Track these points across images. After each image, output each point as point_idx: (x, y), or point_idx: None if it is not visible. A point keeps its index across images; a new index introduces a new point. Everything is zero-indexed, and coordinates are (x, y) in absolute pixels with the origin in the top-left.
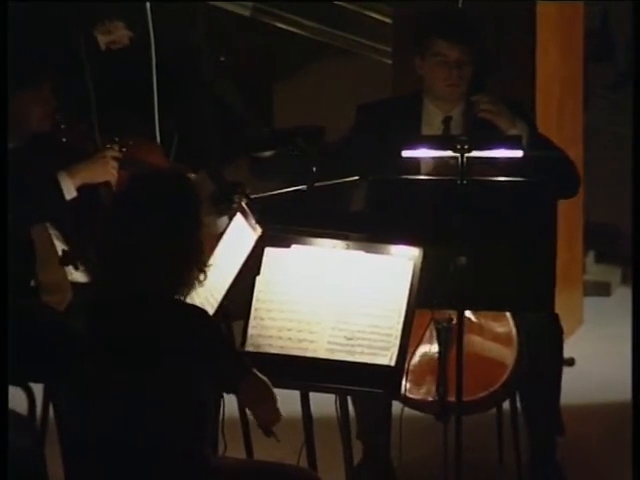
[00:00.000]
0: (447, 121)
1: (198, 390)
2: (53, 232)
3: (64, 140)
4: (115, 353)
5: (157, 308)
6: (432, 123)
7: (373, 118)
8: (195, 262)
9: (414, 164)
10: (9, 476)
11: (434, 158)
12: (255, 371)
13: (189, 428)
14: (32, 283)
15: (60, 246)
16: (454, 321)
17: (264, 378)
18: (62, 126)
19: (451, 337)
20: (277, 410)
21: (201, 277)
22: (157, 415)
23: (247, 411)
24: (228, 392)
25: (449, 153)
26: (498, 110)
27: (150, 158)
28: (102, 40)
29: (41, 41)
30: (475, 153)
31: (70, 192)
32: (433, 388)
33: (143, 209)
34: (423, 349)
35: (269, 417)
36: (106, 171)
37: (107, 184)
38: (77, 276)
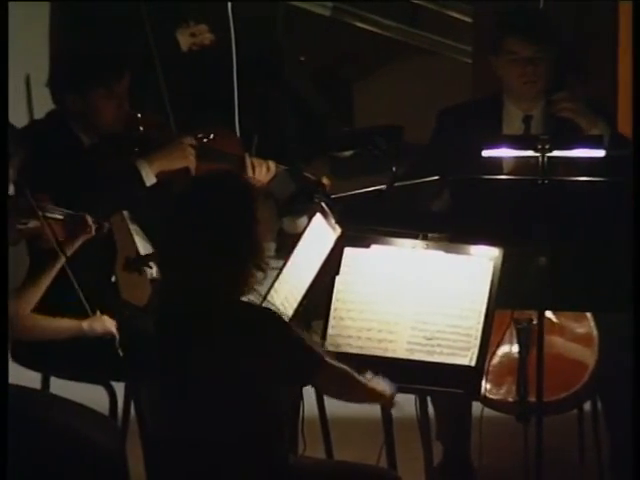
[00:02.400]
0: (528, 120)
1: (270, 388)
2: (133, 227)
3: (141, 129)
4: (185, 354)
5: (221, 309)
6: (512, 123)
7: (454, 122)
8: (253, 261)
9: (496, 164)
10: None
11: (516, 158)
12: (330, 360)
13: (264, 427)
14: (113, 279)
15: (140, 241)
16: (534, 321)
17: (340, 366)
18: (138, 115)
19: (531, 338)
20: (371, 388)
21: (260, 276)
22: (232, 415)
23: (326, 410)
24: (305, 385)
25: (530, 153)
26: (579, 109)
27: (229, 149)
28: (184, 41)
29: (116, 41)
30: (556, 153)
31: (149, 179)
32: (513, 389)
33: (198, 211)
34: (503, 350)
35: (366, 398)
36: (184, 157)
37: (186, 172)
38: (156, 273)
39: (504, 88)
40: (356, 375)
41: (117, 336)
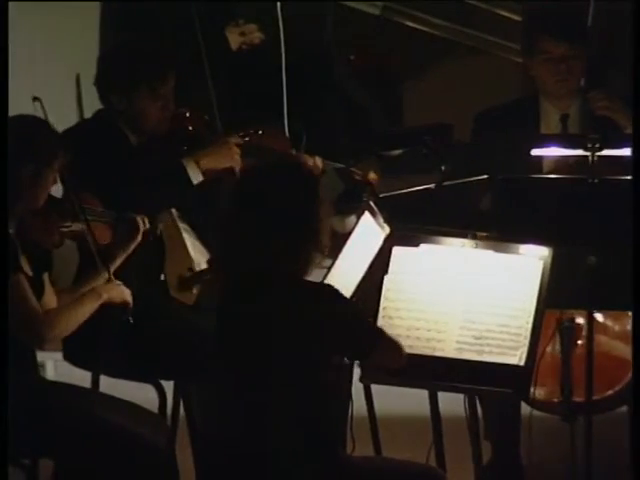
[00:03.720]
0: (564, 119)
1: (322, 375)
2: (182, 225)
3: (190, 128)
4: (245, 340)
5: (284, 288)
6: (549, 122)
7: (491, 124)
8: (314, 242)
9: (537, 164)
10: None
11: (557, 157)
12: (385, 332)
13: (319, 421)
14: (162, 277)
15: (189, 239)
16: (576, 321)
17: (393, 338)
18: (187, 114)
19: (574, 337)
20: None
21: (319, 257)
22: (286, 407)
23: (375, 409)
24: (367, 357)
25: (580, 152)
26: (616, 106)
27: (276, 146)
28: (234, 40)
29: (165, 39)
30: (606, 152)
31: (196, 177)
32: (557, 389)
33: (263, 194)
34: (548, 350)
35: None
36: (230, 155)
37: (231, 170)
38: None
39: (539, 88)
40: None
41: (131, 304)
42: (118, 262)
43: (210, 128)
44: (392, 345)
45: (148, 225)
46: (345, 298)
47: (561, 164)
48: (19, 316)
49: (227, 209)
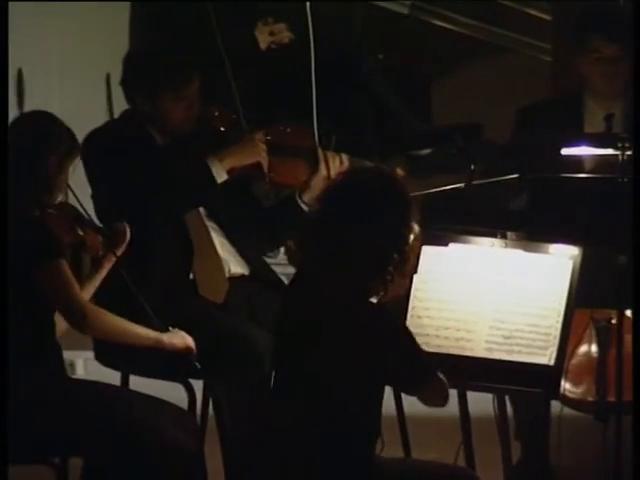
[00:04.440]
0: (609, 118)
1: (372, 392)
2: (210, 224)
3: (222, 129)
4: (297, 349)
5: (350, 305)
6: (594, 121)
7: (533, 120)
8: (398, 265)
9: (577, 162)
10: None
11: (596, 156)
12: (437, 375)
13: (358, 429)
14: (191, 276)
15: (217, 238)
16: (613, 321)
17: (442, 380)
18: (216, 114)
19: (610, 337)
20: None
21: (403, 284)
22: (322, 411)
23: (404, 410)
24: (411, 392)
25: (610, 151)
26: None
27: (302, 143)
28: (263, 40)
29: (194, 39)
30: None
31: (220, 175)
32: (592, 388)
33: (358, 207)
34: (582, 349)
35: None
36: (255, 153)
37: (258, 166)
38: (233, 269)
39: (586, 86)
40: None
41: (194, 352)
42: (109, 266)
43: (238, 127)
44: (440, 387)
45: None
46: (407, 330)
47: (600, 163)
48: (66, 301)
49: (322, 215)
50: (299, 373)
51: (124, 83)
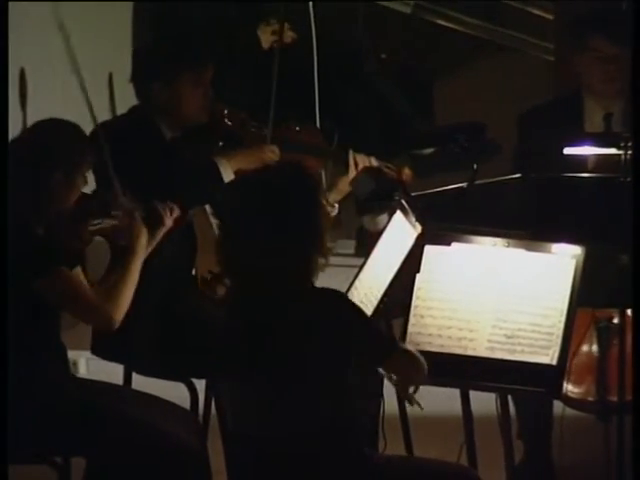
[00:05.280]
0: (608, 118)
1: (344, 375)
2: (215, 221)
3: (228, 124)
4: (260, 346)
5: (292, 296)
6: (593, 120)
7: (535, 124)
8: (317, 248)
9: (580, 162)
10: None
11: (599, 156)
12: (402, 345)
13: (338, 416)
14: (192, 272)
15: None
16: (614, 320)
17: (412, 351)
18: (225, 111)
19: (611, 337)
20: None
21: (323, 262)
22: (309, 406)
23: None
24: (376, 367)
25: (612, 150)
26: None
27: (311, 142)
28: (266, 40)
29: (197, 37)
30: None
31: (228, 175)
32: (593, 388)
33: (263, 197)
34: (584, 348)
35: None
36: (262, 158)
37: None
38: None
39: (584, 86)
40: (422, 362)
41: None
42: (148, 250)
43: (247, 126)
44: (407, 358)
45: (178, 212)
46: (355, 306)
47: (603, 162)
48: (84, 305)
49: (231, 211)
50: (269, 378)
51: (139, 73)
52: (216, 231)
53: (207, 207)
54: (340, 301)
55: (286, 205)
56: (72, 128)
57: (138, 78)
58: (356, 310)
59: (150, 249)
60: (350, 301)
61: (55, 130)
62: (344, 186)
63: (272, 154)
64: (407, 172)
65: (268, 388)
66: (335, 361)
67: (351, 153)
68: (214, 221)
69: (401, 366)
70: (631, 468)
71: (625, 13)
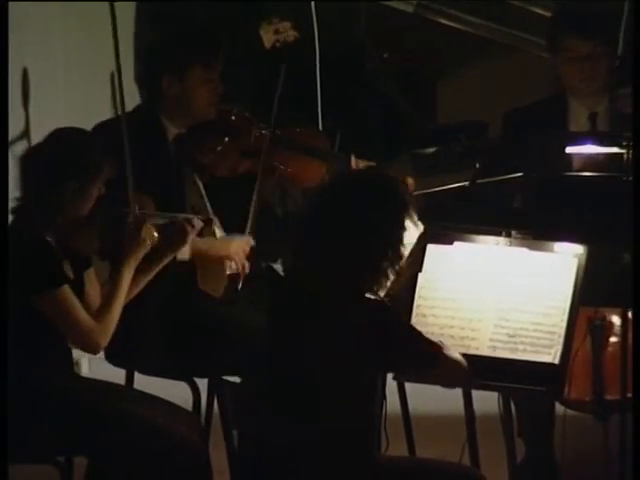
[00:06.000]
0: (593, 117)
1: (372, 387)
2: (215, 219)
3: (233, 118)
4: (296, 349)
5: (345, 303)
6: (578, 120)
7: (519, 123)
8: (393, 264)
9: (580, 161)
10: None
11: (599, 154)
12: (447, 352)
13: (360, 425)
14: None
15: (219, 233)
16: (608, 319)
17: (456, 356)
18: (234, 111)
19: (604, 335)
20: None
21: (392, 279)
22: (325, 409)
23: (409, 408)
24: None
25: (615, 149)
26: None
27: (314, 144)
28: (268, 39)
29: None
30: None
31: (183, 256)
32: (589, 387)
33: (352, 206)
34: (580, 348)
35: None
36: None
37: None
38: (234, 266)
39: (566, 87)
40: (464, 363)
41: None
42: (164, 263)
43: (252, 125)
44: (452, 365)
45: (201, 225)
46: (402, 320)
47: (595, 162)
48: (71, 329)
49: (311, 212)
50: (297, 374)
51: (147, 69)
52: (216, 231)
53: (209, 206)
54: (387, 313)
55: (378, 213)
56: (91, 138)
57: (148, 72)
58: (400, 324)
59: (166, 262)
60: (396, 315)
61: (73, 139)
62: None
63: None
64: (410, 182)
65: (282, 389)
66: (365, 370)
67: (353, 159)
68: (215, 218)
69: (446, 376)
70: (632, 467)
71: (597, 10)
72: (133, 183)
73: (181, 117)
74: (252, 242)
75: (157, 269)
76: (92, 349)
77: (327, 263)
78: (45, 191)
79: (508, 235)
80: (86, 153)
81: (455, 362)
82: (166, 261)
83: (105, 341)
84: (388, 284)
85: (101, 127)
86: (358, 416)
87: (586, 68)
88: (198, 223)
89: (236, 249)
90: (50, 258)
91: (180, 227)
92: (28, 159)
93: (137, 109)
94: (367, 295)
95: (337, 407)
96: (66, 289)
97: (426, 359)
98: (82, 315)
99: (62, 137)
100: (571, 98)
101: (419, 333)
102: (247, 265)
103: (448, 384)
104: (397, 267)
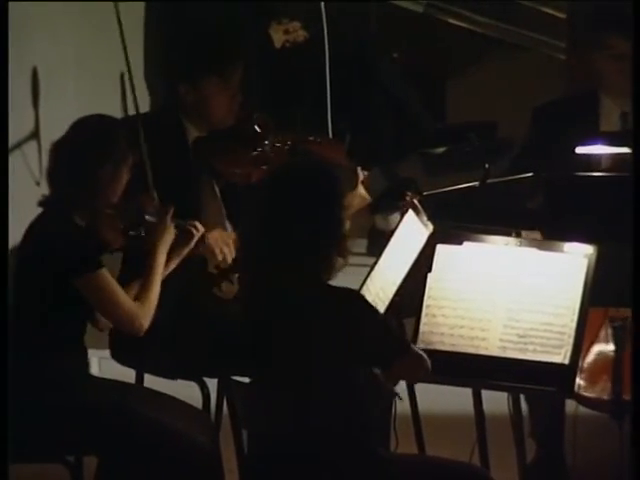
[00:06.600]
0: (625, 117)
1: (355, 373)
2: (228, 225)
3: (256, 128)
4: (273, 344)
5: (308, 293)
6: (609, 119)
7: (550, 119)
8: (336, 246)
9: (595, 161)
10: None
11: (613, 155)
12: (413, 347)
13: (350, 415)
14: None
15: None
16: (629, 319)
17: (420, 353)
18: (255, 116)
19: (626, 336)
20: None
21: (342, 262)
22: (321, 405)
23: (418, 407)
24: (383, 369)
25: (625, 149)
26: None
27: (332, 156)
28: (278, 39)
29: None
30: None
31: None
32: (608, 386)
33: (286, 198)
34: (598, 347)
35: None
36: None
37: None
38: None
39: (602, 84)
40: (427, 365)
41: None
42: (172, 267)
43: (270, 134)
44: (416, 360)
45: (202, 230)
46: (371, 306)
47: (618, 161)
48: (115, 310)
49: (254, 208)
50: (283, 376)
51: (165, 75)
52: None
53: (224, 210)
54: (355, 300)
55: (308, 200)
56: (117, 123)
57: (165, 79)
58: (371, 310)
59: (173, 266)
60: (365, 301)
61: (103, 124)
62: (354, 201)
63: (226, 237)
64: (361, 173)
65: (280, 386)
66: (348, 360)
67: (359, 170)
68: (228, 224)
69: (410, 370)
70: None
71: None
72: (152, 177)
73: (201, 122)
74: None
75: (168, 271)
76: (135, 330)
77: (286, 260)
78: (82, 176)
79: (518, 235)
80: (117, 137)
81: (421, 355)
82: (175, 263)
83: (147, 323)
84: (337, 266)
85: (123, 121)
86: (355, 412)
87: (627, 67)
88: (201, 228)
89: (217, 236)
90: (89, 241)
91: (187, 232)
92: (60, 148)
93: (160, 108)
94: (329, 284)
95: (332, 403)
96: (106, 271)
97: (397, 346)
98: (124, 297)
99: (90, 123)
100: (603, 96)
101: (389, 321)
102: (231, 255)
103: (410, 377)
104: (344, 252)
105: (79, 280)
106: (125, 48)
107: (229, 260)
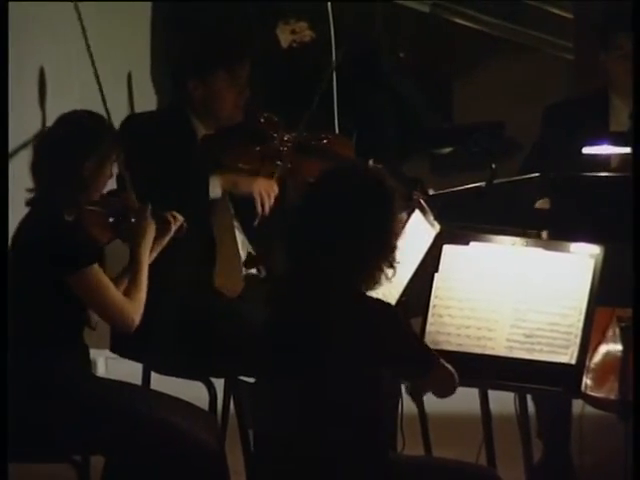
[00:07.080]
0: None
1: (378, 385)
2: (236, 223)
3: (262, 121)
4: (296, 346)
5: (343, 302)
6: (619, 119)
7: (561, 118)
8: (386, 258)
9: (603, 161)
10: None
11: (622, 154)
12: (442, 363)
13: (362, 420)
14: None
15: (239, 236)
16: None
17: (449, 370)
18: (262, 115)
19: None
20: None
21: (389, 273)
22: (338, 409)
23: (425, 408)
24: (416, 383)
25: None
26: None
27: (344, 152)
28: (285, 39)
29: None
30: None
31: (215, 192)
32: (616, 386)
33: (339, 203)
34: (606, 347)
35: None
36: (256, 191)
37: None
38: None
39: (612, 84)
40: (456, 380)
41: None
42: (154, 255)
43: (279, 130)
44: (444, 376)
45: (180, 220)
46: (404, 320)
47: (627, 161)
48: (107, 306)
49: (300, 211)
50: (303, 377)
51: (174, 70)
52: (236, 233)
53: (231, 208)
54: (386, 313)
55: (365, 208)
56: (102, 119)
57: (174, 75)
58: (400, 325)
59: (155, 255)
60: (396, 315)
61: (87, 120)
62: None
63: (268, 187)
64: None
65: (292, 388)
66: (369, 370)
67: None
68: (236, 223)
69: (436, 386)
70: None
71: None
72: (130, 178)
73: (209, 119)
74: (276, 188)
75: (150, 259)
76: (127, 326)
77: (321, 265)
78: (67, 171)
79: (524, 235)
80: (98, 131)
81: (449, 371)
82: (156, 252)
83: (138, 318)
84: (383, 278)
85: (130, 118)
86: (367, 415)
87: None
88: (178, 218)
89: (261, 185)
90: (79, 237)
91: (162, 218)
92: (44, 143)
93: (167, 106)
94: (365, 294)
95: (345, 406)
96: (97, 267)
97: (423, 360)
98: (116, 292)
99: (73, 118)
100: (613, 96)
101: (418, 335)
102: (271, 200)
103: (437, 392)
104: (393, 262)
105: (71, 277)
106: (89, 48)
107: (267, 209)
